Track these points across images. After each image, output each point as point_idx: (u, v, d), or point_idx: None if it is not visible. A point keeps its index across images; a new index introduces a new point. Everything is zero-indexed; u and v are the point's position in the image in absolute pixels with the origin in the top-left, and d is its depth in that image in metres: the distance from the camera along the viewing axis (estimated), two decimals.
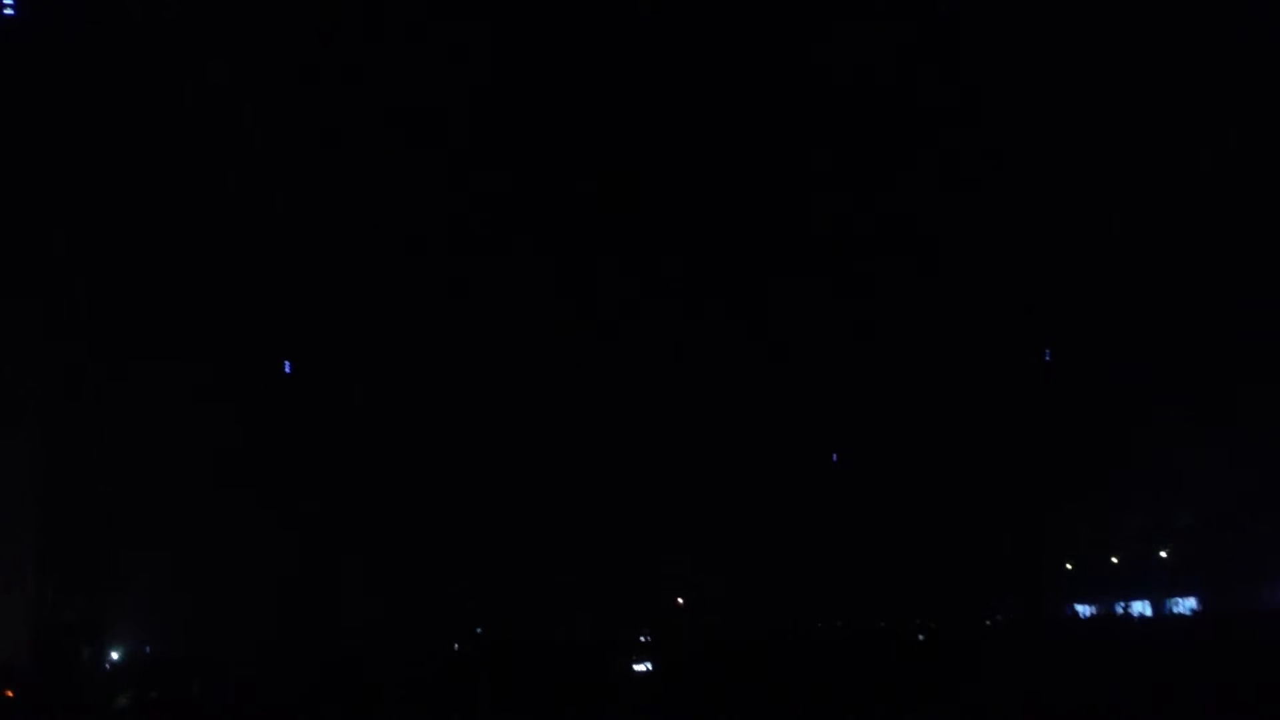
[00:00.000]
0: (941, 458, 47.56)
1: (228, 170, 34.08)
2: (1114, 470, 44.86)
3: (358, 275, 42.42)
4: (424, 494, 45.08)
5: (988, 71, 40.42)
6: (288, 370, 40.49)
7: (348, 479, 42.67)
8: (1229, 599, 41.63)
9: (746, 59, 39.71)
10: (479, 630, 37.82)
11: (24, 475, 25.84)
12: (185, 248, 34.91)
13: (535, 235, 43.68)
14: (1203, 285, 41.78)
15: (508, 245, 43.68)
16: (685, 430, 47.86)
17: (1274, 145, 38.35)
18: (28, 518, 25.14)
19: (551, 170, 41.86)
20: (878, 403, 48.12)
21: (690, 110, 41.02)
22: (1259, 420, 41.74)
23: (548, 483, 46.30)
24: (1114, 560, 48.43)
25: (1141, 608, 46.75)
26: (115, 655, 28.14)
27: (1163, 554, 47.34)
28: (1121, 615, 45.68)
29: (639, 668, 21.60)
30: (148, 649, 32.97)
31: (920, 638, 27.12)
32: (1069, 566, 47.76)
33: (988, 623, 37.25)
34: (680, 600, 49.37)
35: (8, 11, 25.15)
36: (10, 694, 20.93)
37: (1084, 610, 48.21)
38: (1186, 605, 45.13)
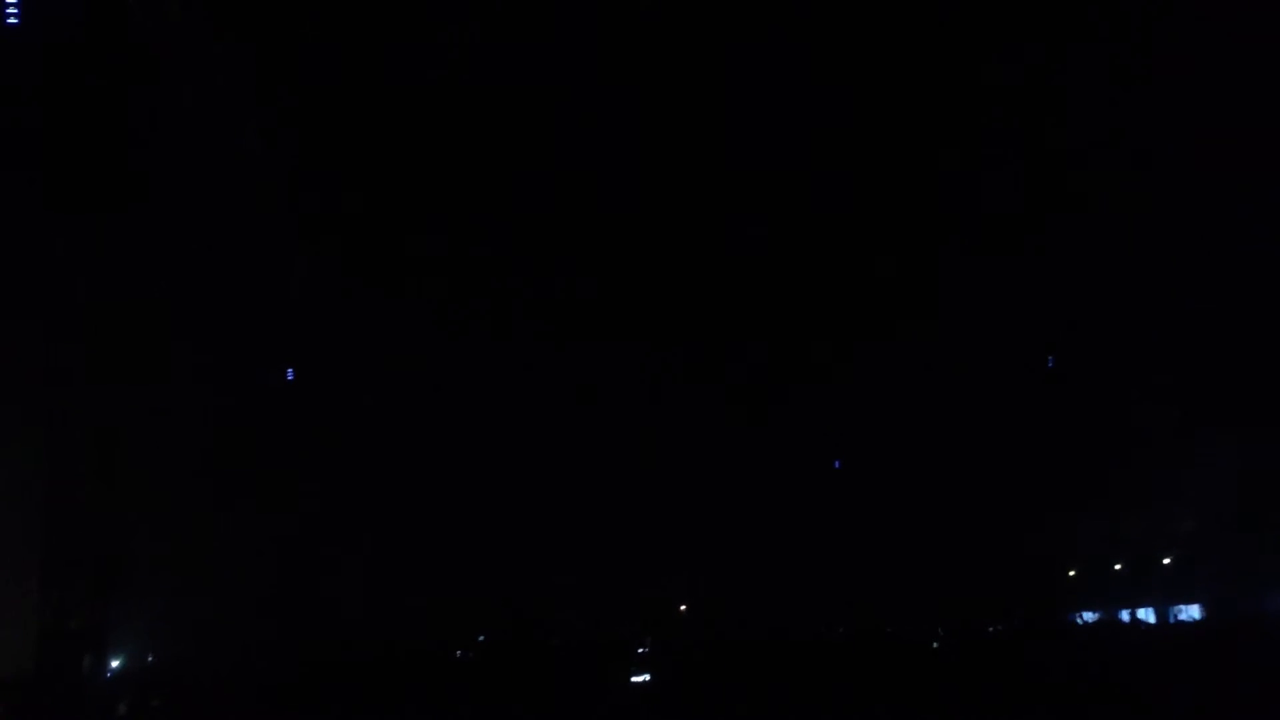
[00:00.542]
0: (944, 464, 47.54)
1: (230, 175, 34.12)
2: (1117, 477, 44.80)
3: (355, 279, 42.48)
4: (427, 500, 45.12)
5: (986, 74, 40.42)
6: (290, 377, 40.53)
7: (351, 486, 42.70)
8: (1233, 606, 41.53)
9: (745, 61, 39.71)
10: (481, 638, 37.82)
11: (29, 482, 25.85)
12: (189, 252, 34.95)
13: (534, 234, 43.73)
14: (1205, 290, 41.78)
15: (507, 243, 43.70)
16: (686, 436, 47.88)
17: (1274, 146, 38.37)
18: (33, 525, 25.13)
19: (550, 170, 41.90)
20: (879, 410, 48.14)
21: (688, 111, 41.03)
22: (1263, 426, 41.68)
23: (549, 487, 46.33)
24: (1117, 567, 48.35)
25: (1145, 615, 46.65)
26: (115, 664, 28.11)
27: (1166, 561, 47.26)
28: (1125, 622, 45.58)
29: (637, 679, 21.47)
30: (150, 658, 32.95)
31: (935, 645, 27.06)
32: (1071, 574, 47.67)
33: (990, 630, 37.17)
34: (683, 607, 49.33)
35: (10, 19, 25.20)
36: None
37: (1087, 617, 48.10)
38: (1190, 612, 45.05)
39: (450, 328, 44.41)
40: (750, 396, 48.08)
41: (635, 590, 47.41)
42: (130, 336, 29.06)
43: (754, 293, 46.52)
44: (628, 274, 45.65)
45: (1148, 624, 45.35)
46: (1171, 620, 44.86)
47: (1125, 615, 46.68)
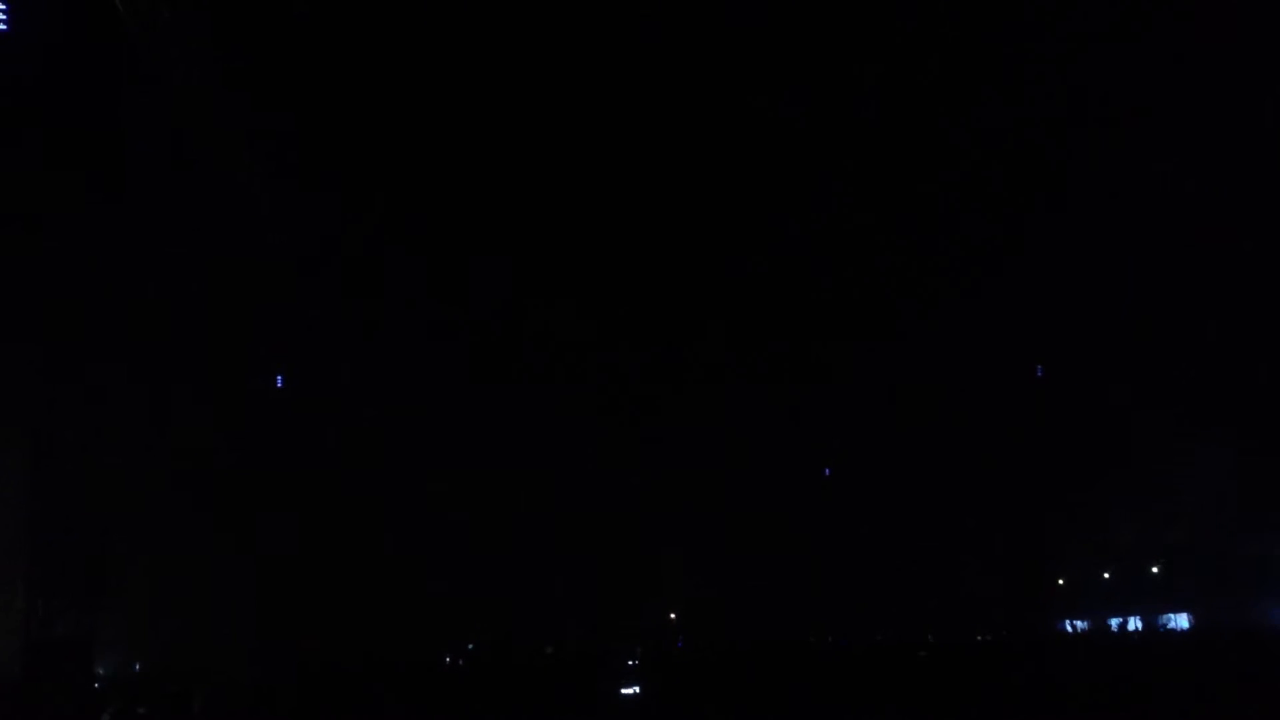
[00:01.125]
0: (933, 475, 47.66)
1: (222, 180, 34.06)
2: (1106, 485, 44.93)
3: (351, 285, 42.45)
4: (417, 507, 45.04)
5: (984, 78, 40.54)
6: (279, 384, 40.42)
7: (341, 493, 42.59)
8: (1221, 615, 41.66)
9: (745, 63, 39.79)
10: (470, 646, 37.73)
11: (15, 489, 25.69)
12: (179, 260, 34.88)
13: (528, 237, 43.72)
14: (1197, 298, 41.95)
15: (501, 247, 43.68)
16: (678, 444, 47.90)
17: (1273, 148, 38.57)
18: (19, 532, 24.98)
19: (547, 168, 41.92)
20: (870, 418, 48.22)
21: (686, 114, 41.10)
22: (1252, 436, 41.88)
23: (540, 496, 46.31)
24: (1106, 576, 48.48)
25: (1133, 623, 46.77)
26: (102, 672, 27.97)
27: (1155, 569, 47.42)
28: (1114, 631, 45.70)
29: (627, 691, 21.36)
30: (136, 665, 32.80)
31: (922, 654, 27.04)
32: (1061, 582, 47.80)
33: (979, 638, 37.22)
34: (673, 615, 49.31)
35: (0, 26, 25.14)
36: None
37: (1076, 626, 48.19)
38: (1179, 621, 45.19)
39: (445, 335, 44.39)
40: (744, 404, 48.12)
41: (626, 598, 47.39)
42: (119, 341, 28.93)
43: (744, 306, 46.62)
44: (620, 286, 45.71)
45: (1136, 632, 45.47)
46: (1159, 629, 44.99)
47: (1114, 624, 46.79)
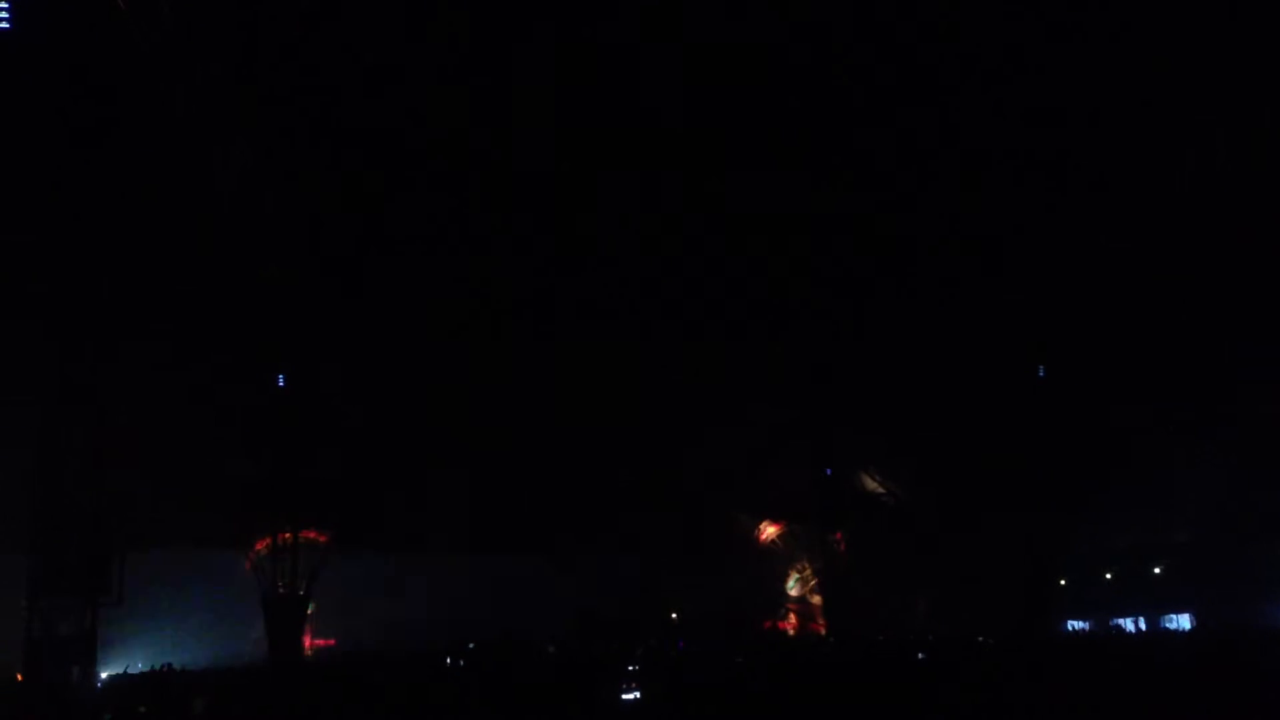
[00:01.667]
0: (934, 475, 47.64)
1: (225, 178, 34.11)
2: (1108, 486, 44.89)
3: (353, 284, 42.44)
4: (420, 502, 45.06)
5: (985, 78, 40.53)
6: (281, 382, 40.45)
7: (344, 491, 42.62)
8: (1222, 616, 41.64)
9: (744, 63, 39.79)
10: (471, 645, 37.71)
11: (18, 489, 25.77)
12: (182, 257, 34.92)
13: (528, 231, 43.64)
14: (1198, 299, 41.90)
15: (499, 245, 43.63)
16: (679, 441, 47.89)
17: (1273, 149, 38.54)
18: (22, 532, 25.05)
19: (545, 168, 41.90)
20: (870, 420, 48.18)
21: (685, 112, 41.09)
22: (1254, 437, 41.85)
23: (541, 491, 46.32)
24: (1108, 576, 48.45)
25: (1135, 624, 46.74)
26: (105, 675, 27.98)
27: (1156, 570, 47.39)
28: (1115, 632, 45.67)
29: (628, 696, 21.28)
30: (139, 665, 32.84)
31: (920, 656, 27.04)
32: (1063, 583, 47.75)
33: (980, 639, 37.18)
34: (674, 615, 49.33)
35: (2, 25, 25.17)
36: None
37: (1077, 626, 48.18)
38: (1180, 622, 45.15)
39: (445, 330, 44.35)
40: (745, 401, 48.10)
41: (628, 597, 47.43)
42: (121, 340, 29.01)
43: (743, 301, 46.57)
44: (619, 280, 45.66)
45: (1138, 633, 45.46)
46: (1162, 629, 44.98)
47: (1115, 624, 46.77)
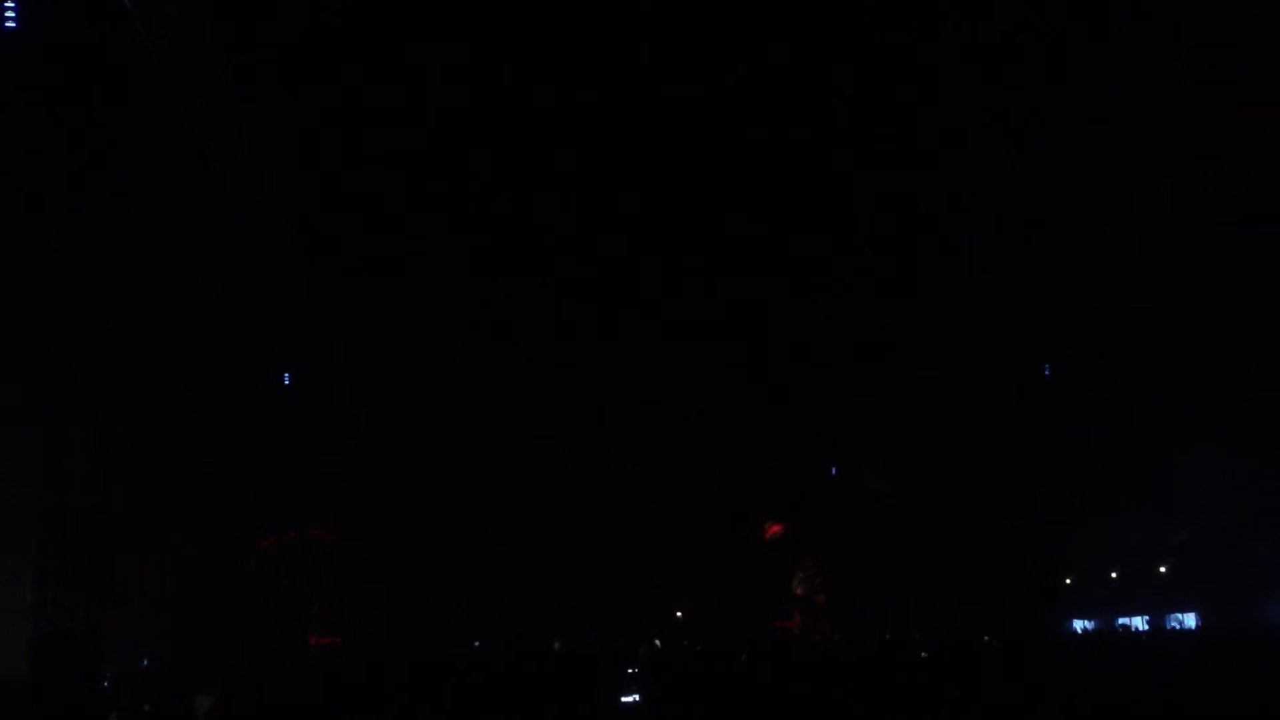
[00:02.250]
0: (939, 472, 47.62)
1: (230, 180, 34.14)
2: (1113, 485, 44.85)
3: (355, 281, 42.53)
4: (424, 503, 45.16)
5: (986, 79, 40.48)
6: (286, 381, 40.54)
7: (348, 489, 42.73)
8: (1228, 615, 41.59)
9: (742, 63, 39.76)
10: (476, 644, 37.79)
11: (23, 484, 25.78)
12: (187, 257, 34.98)
13: (529, 236, 43.76)
14: (1201, 299, 41.85)
15: (500, 250, 43.73)
16: (683, 439, 47.93)
17: (1273, 149, 38.45)
18: (27, 527, 25.06)
19: (545, 168, 41.95)
20: (876, 417, 48.19)
21: (684, 112, 41.09)
22: (1259, 435, 41.77)
23: (544, 493, 46.38)
24: (1113, 575, 48.41)
25: (1140, 623, 46.71)
26: (110, 673, 28.00)
27: (1162, 569, 47.34)
28: (1120, 631, 45.64)
29: (627, 699, 21.19)
30: (145, 661, 32.91)
31: (924, 655, 26.95)
32: (1068, 581, 47.74)
33: (986, 638, 37.12)
34: (679, 614, 49.35)
35: (9, 24, 25.19)
36: None
37: (1082, 625, 48.16)
38: (1186, 621, 45.11)
39: (446, 332, 44.45)
40: (746, 402, 48.14)
41: (631, 597, 47.44)
42: (127, 337, 29.04)
43: (744, 302, 46.59)
44: (621, 280, 45.73)
45: (1143, 632, 45.40)
46: (1167, 628, 44.92)
47: (1121, 623, 46.73)
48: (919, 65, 39.97)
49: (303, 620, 40.49)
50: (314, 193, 38.98)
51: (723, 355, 47.05)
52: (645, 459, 47.77)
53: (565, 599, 45.18)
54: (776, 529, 50.76)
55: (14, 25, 25.11)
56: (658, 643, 31.96)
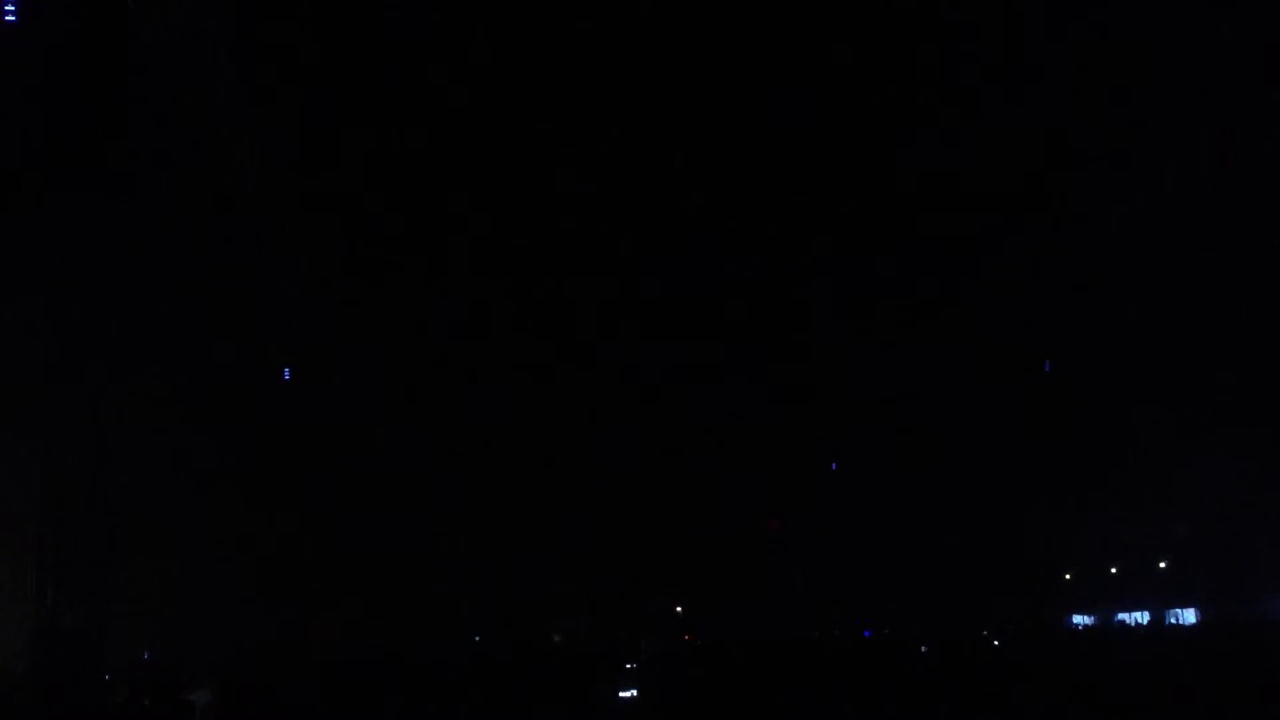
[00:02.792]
0: (939, 468, 47.67)
1: (230, 176, 34.17)
2: (1112, 480, 44.86)
3: (354, 278, 42.58)
4: (422, 500, 45.20)
5: (986, 78, 40.52)
6: (286, 377, 40.57)
7: (347, 486, 42.75)
8: (1228, 610, 41.58)
9: (744, 62, 39.81)
10: (476, 639, 37.87)
11: (24, 479, 25.81)
12: (187, 253, 34.99)
13: (530, 239, 43.83)
14: (1201, 295, 41.83)
15: (502, 251, 43.81)
16: (681, 438, 47.98)
17: (1272, 149, 38.44)
18: (28, 522, 25.08)
19: (544, 170, 42.01)
20: (876, 412, 48.24)
21: (683, 112, 41.16)
22: (1259, 430, 41.75)
23: (544, 489, 46.44)
24: (1113, 570, 48.43)
25: (1140, 618, 46.73)
26: (110, 667, 28.04)
27: (1162, 564, 47.35)
28: (1120, 626, 45.67)
29: (625, 694, 21.22)
30: (145, 655, 32.97)
31: (923, 649, 27.04)
32: (1067, 577, 47.76)
33: (985, 633, 37.20)
34: (679, 609, 49.42)
35: (9, 18, 25.20)
36: None
37: (1082, 621, 48.19)
38: (1185, 617, 45.12)
39: (448, 329, 44.51)
40: (745, 399, 48.18)
41: (629, 592, 47.52)
42: (127, 335, 29.05)
43: (744, 298, 46.67)
44: (618, 280, 45.81)
45: (1143, 627, 45.43)
46: (1167, 624, 44.94)
47: (1121, 619, 46.75)
48: (919, 65, 40.04)
49: (302, 617, 40.53)
50: (313, 193, 39.04)
51: (722, 354, 47.11)
52: (644, 459, 47.82)
53: (565, 593, 45.25)
54: (777, 524, 50.84)
55: (13, 20, 25.12)
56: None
